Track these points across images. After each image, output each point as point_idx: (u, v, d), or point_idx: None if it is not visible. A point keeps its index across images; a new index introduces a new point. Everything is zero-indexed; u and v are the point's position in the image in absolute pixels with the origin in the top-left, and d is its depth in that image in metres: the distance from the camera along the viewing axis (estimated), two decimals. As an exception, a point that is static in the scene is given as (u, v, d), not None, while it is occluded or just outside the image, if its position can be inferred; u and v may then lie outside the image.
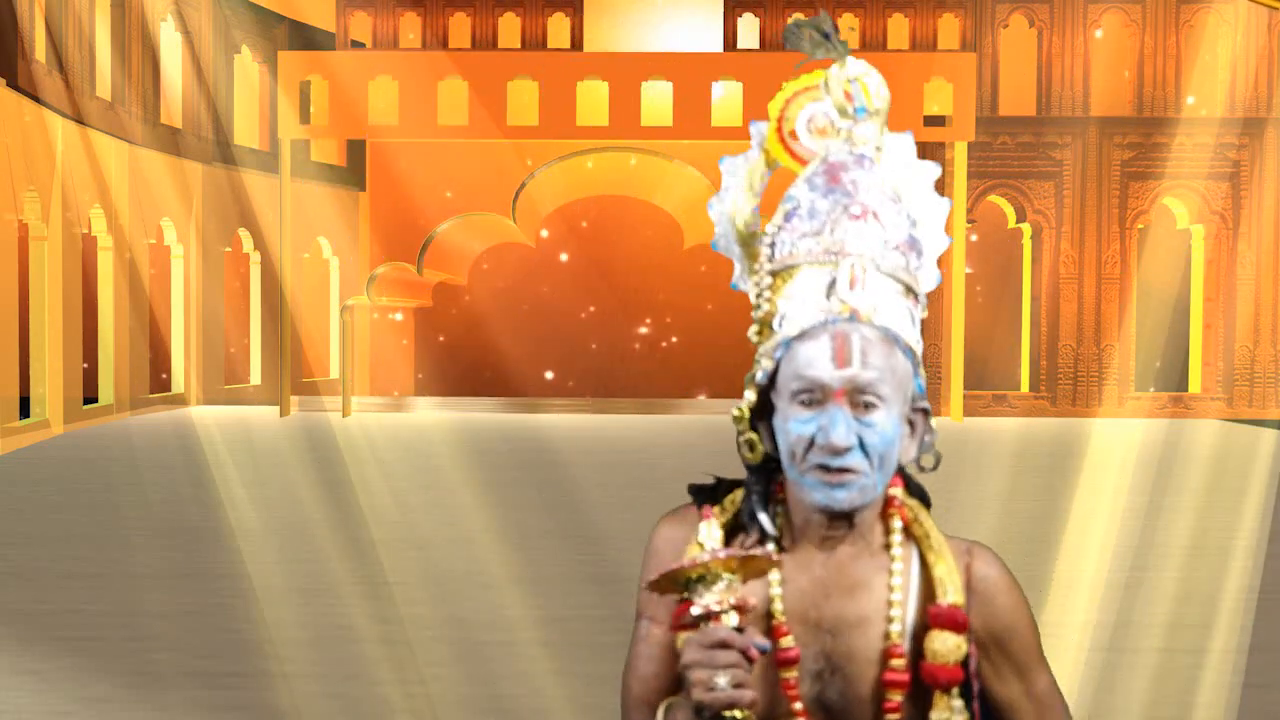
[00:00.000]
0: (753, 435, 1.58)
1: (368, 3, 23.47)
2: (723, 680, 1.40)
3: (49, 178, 18.47)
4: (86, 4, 19.89)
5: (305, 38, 24.43)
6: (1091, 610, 7.49)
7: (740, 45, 23.20)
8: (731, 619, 1.41)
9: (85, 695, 5.83)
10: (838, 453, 1.49)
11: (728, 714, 1.41)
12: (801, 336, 1.52)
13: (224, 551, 9.29)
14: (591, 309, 25.28)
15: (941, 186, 1.52)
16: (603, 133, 21.95)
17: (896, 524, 1.59)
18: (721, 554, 1.41)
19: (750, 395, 1.57)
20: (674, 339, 25.29)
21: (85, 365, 19.84)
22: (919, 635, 1.55)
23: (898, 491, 1.60)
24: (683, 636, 1.48)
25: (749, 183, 1.68)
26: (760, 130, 1.67)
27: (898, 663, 1.53)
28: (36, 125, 18.02)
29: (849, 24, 23.10)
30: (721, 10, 23.36)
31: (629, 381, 24.60)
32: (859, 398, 1.50)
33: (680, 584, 1.42)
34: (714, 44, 23.42)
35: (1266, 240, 22.99)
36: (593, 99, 22.13)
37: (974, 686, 1.58)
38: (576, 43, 23.37)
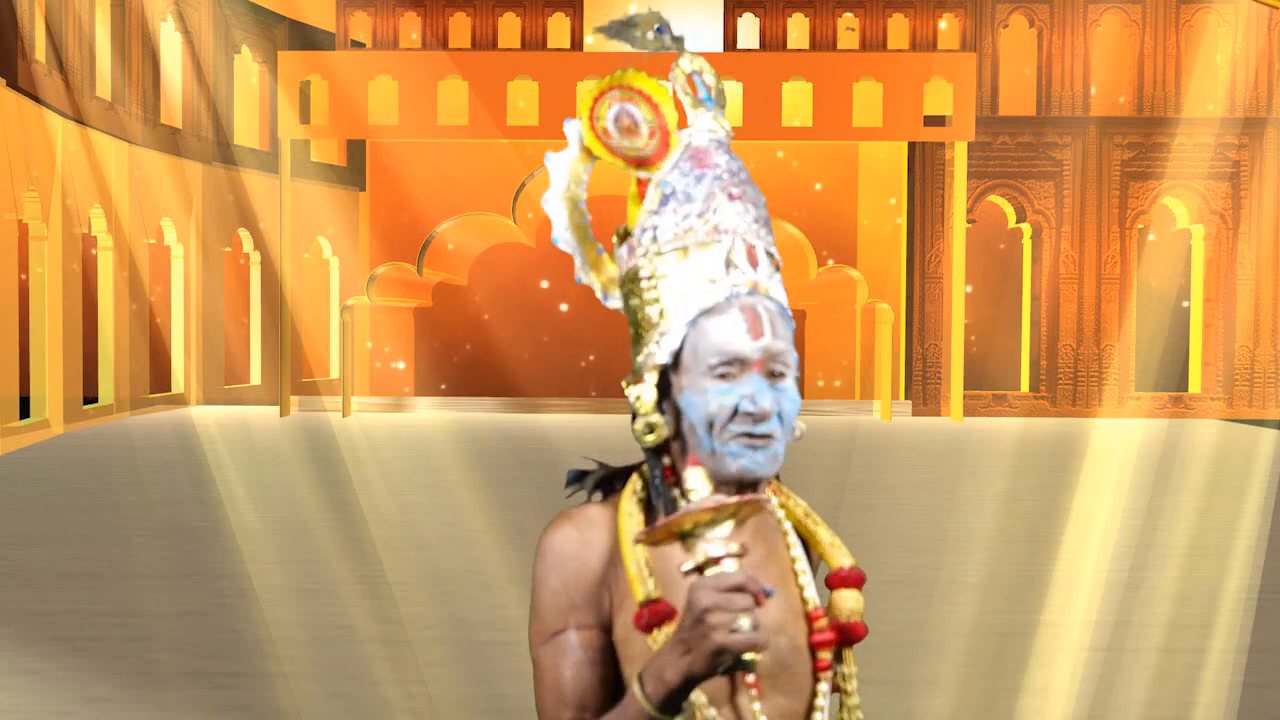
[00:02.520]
0: (656, 418, 1.60)
1: (368, 3, 23.47)
2: (746, 623, 1.39)
3: (49, 178, 18.47)
4: (86, 4, 19.89)
5: (305, 38, 24.43)
6: (1091, 610, 7.49)
7: (740, 45, 23.20)
8: (730, 565, 1.41)
9: (85, 695, 5.83)
10: (762, 419, 1.54)
11: (746, 657, 1.41)
12: (707, 313, 1.57)
13: (224, 551, 9.29)
14: (591, 309, 25.28)
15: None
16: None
17: (772, 497, 1.66)
18: (712, 501, 1.41)
19: (652, 378, 1.61)
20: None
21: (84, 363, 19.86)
22: (819, 593, 1.63)
23: None
24: (655, 634, 1.48)
25: (574, 177, 1.77)
26: (575, 128, 1.74)
27: (822, 623, 1.59)
28: (36, 125, 18.02)
29: (848, 24, 23.11)
30: (721, 10, 23.36)
31: (629, 381, 24.58)
32: (772, 366, 1.57)
33: (680, 535, 1.43)
34: (714, 44, 23.41)
35: (1266, 240, 22.99)
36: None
37: None
38: (576, 43, 23.37)
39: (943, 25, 23.14)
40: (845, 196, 24.42)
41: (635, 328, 1.64)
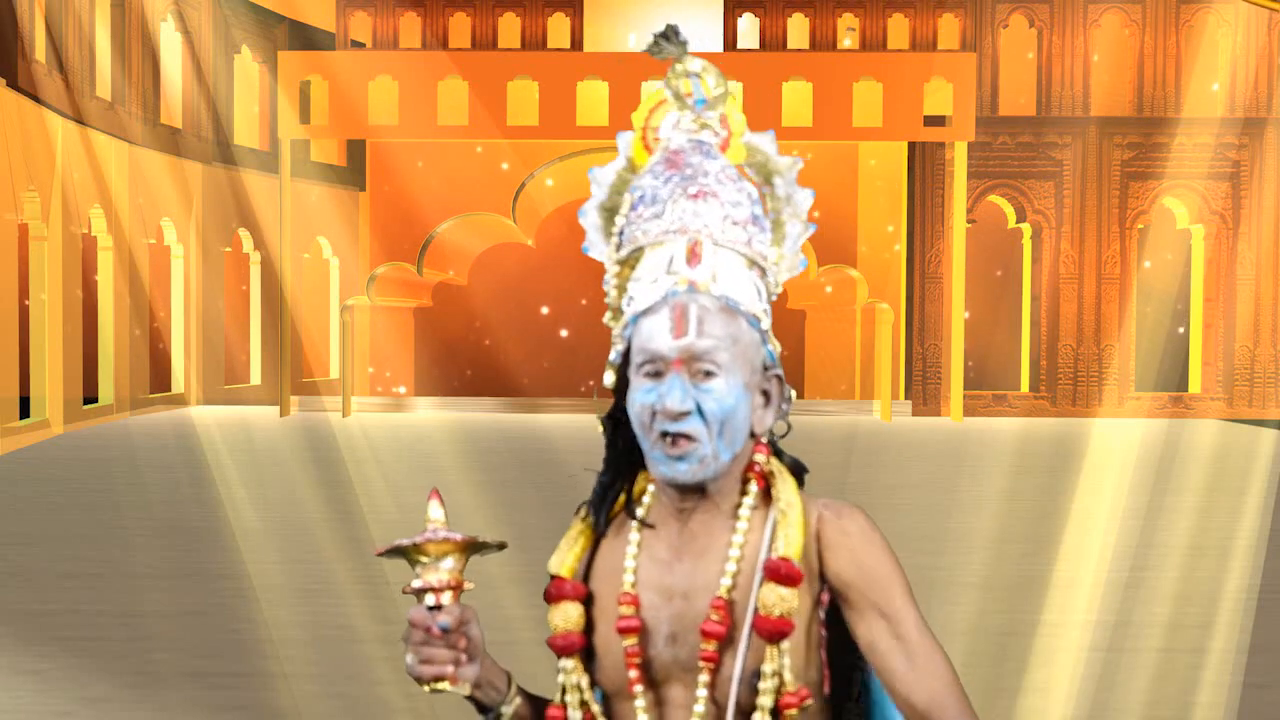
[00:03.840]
0: (606, 421, 1.68)
1: (368, 3, 23.47)
2: (409, 659, 1.57)
3: (49, 178, 18.47)
4: (86, 4, 19.89)
5: (305, 38, 24.43)
6: (1091, 610, 7.49)
7: (740, 45, 23.20)
8: (433, 599, 1.56)
9: (85, 695, 5.83)
10: (674, 417, 1.55)
11: (433, 687, 1.59)
12: (645, 312, 1.60)
13: (224, 551, 9.29)
14: (591, 309, 25.27)
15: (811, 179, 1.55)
16: (603, 133, 21.93)
17: (751, 488, 1.64)
18: (440, 535, 1.55)
19: (609, 377, 1.65)
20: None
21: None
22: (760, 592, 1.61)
23: (761, 458, 1.65)
24: (552, 608, 1.71)
25: (615, 189, 1.75)
26: (626, 140, 1.76)
27: (715, 614, 1.58)
28: (36, 125, 18.02)
29: (849, 24, 23.11)
30: (721, 10, 23.36)
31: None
32: (696, 365, 1.57)
33: (407, 558, 1.56)
34: (714, 44, 23.41)
35: (1266, 240, 22.99)
36: (593, 99, 22.13)
37: (820, 634, 1.62)
38: (576, 43, 23.37)
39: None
40: (845, 196, 24.41)
41: None
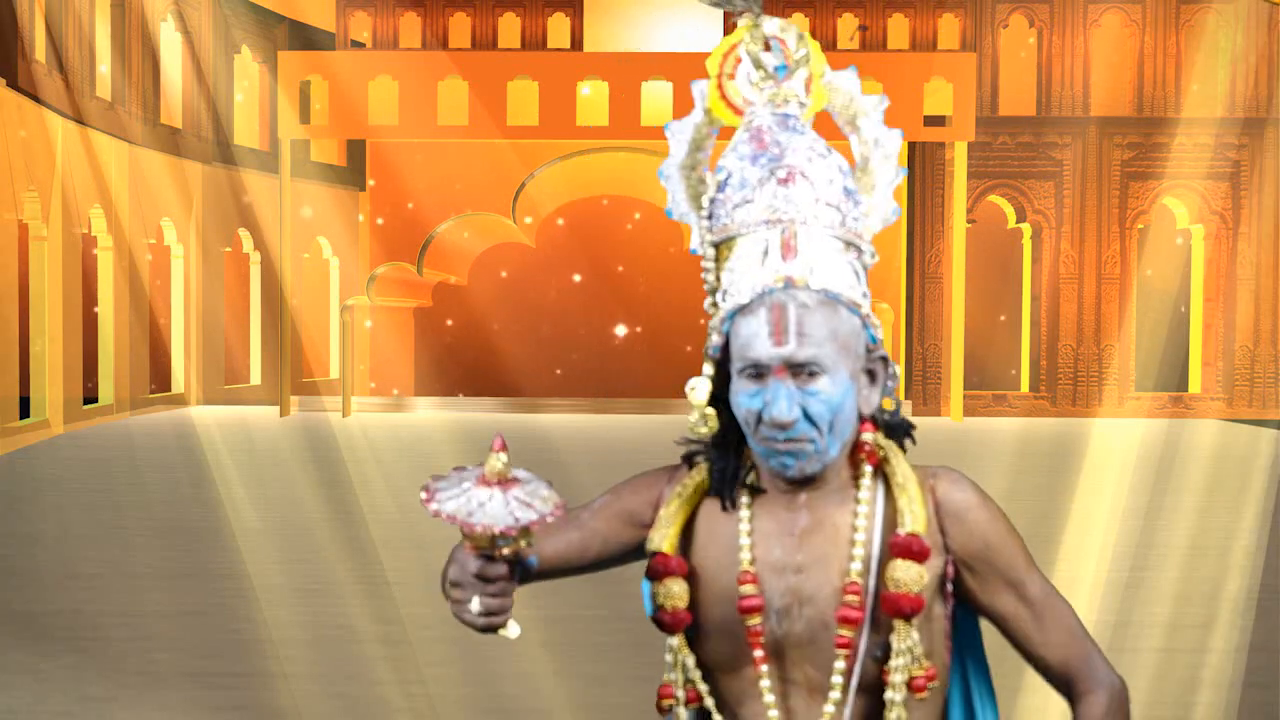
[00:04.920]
0: (708, 411, 1.62)
1: (368, 3, 23.47)
2: (475, 605, 1.50)
3: (49, 178, 18.47)
4: (86, 4, 19.89)
5: (305, 38, 24.43)
6: (1091, 610, 7.48)
7: (740, 45, 23.17)
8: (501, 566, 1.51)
9: (85, 695, 5.83)
10: (782, 427, 1.52)
11: (492, 629, 1.53)
12: (743, 310, 1.55)
13: (224, 551, 9.29)
14: (591, 309, 25.28)
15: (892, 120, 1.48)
16: (603, 133, 21.94)
17: (866, 468, 1.61)
18: (501, 526, 1.48)
19: (708, 369, 1.60)
20: (675, 339, 25.28)
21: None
22: (886, 569, 1.57)
23: (869, 436, 1.61)
24: (655, 585, 1.62)
25: (695, 144, 1.69)
26: (702, 89, 1.68)
27: (852, 598, 1.55)
28: (36, 125, 18.02)
29: (859, 24, 23.07)
30: (721, 10, 23.33)
31: (629, 381, 24.59)
32: (800, 369, 1.52)
33: (481, 543, 1.52)
34: (714, 44, 23.37)
35: (1266, 240, 22.99)
36: (593, 99, 22.13)
37: (948, 606, 1.62)
38: (576, 43, 23.37)
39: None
40: (845, 196, 24.36)
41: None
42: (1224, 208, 23.03)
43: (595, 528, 1.71)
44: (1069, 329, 23.28)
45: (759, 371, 1.53)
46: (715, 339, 1.58)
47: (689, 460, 1.70)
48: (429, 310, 25.63)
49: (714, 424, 1.61)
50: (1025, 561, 1.62)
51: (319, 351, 24.90)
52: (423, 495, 1.54)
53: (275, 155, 23.21)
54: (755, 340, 1.53)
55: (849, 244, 1.58)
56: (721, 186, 1.59)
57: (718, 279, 1.60)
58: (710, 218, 1.61)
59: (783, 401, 1.51)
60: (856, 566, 1.56)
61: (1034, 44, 23.31)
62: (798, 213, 1.55)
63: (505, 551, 1.50)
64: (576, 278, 25.15)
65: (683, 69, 22.02)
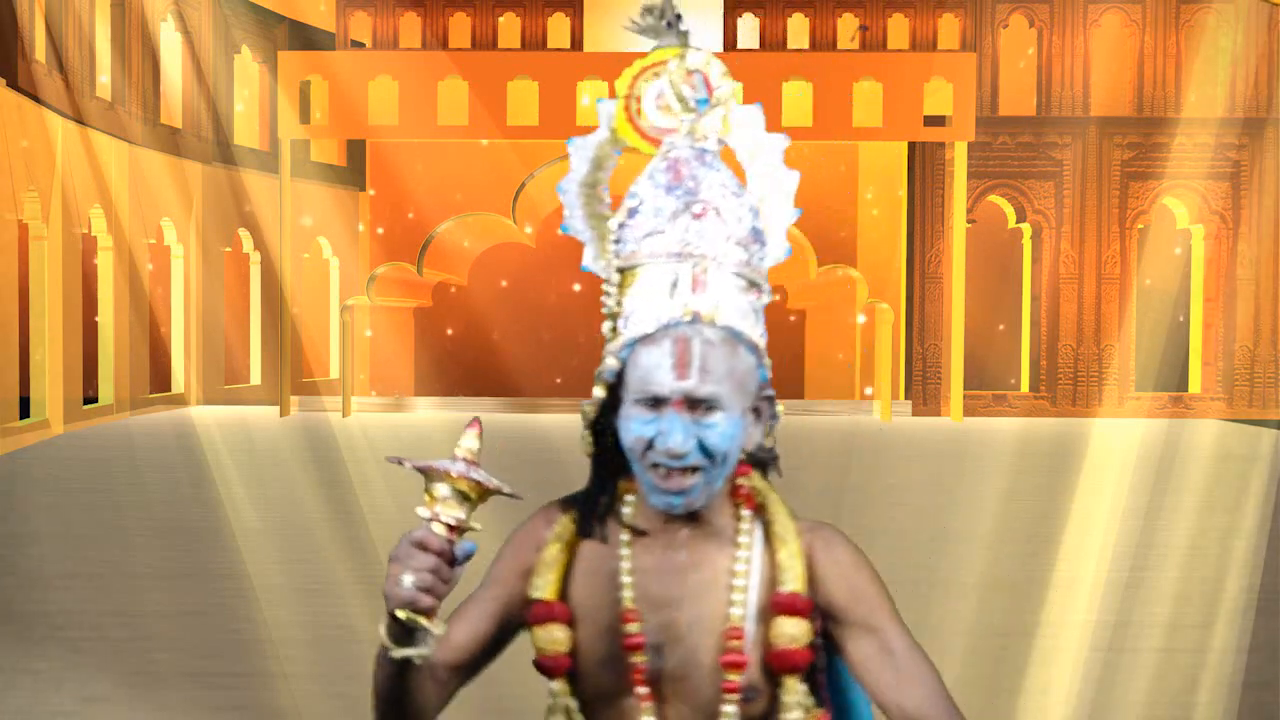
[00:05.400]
0: (587, 434, 1.63)
1: (368, 3, 23.47)
2: (408, 580, 1.44)
3: (49, 178, 18.47)
4: (86, 4, 19.89)
5: (305, 38, 24.43)
6: (1091, 610, 7.49)
7: (740, 45, 23.19)
8: (439, 529, 1.48)
9: (85, 695, 5.83)
10: (676, 457, 1.52)
11: (400, 613, 1.45)
12: (645, 340, 1.54)
13: (224, 551, 9.28)
14: (592, 309, 25.25)
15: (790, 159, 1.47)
16: (602, 133, 21.92)
17: (745, 513, 1.62)
18: (473, 474, 1.48)
19: (599, 392, 1.60)
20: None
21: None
22: (765, 615, 1.59)
23: (745, 481, 1.63)
24: (538, 630, 1.62)
25: (597, 163, 1.70)
26: (608, 109, 1.69)
27: (735, 643, 1.57)
28: (36, 125, 18.02)
29: (860, 24, 23.07)
30: (721, 10, 23.36)
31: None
32: (698, 403, 1.53)
33: (430, 479, 1.50)
34: (714, 44, 23.40)
35: (1266, 240, 22.99)
36: (593, 99, 22.12)
37: (820, 659, 1.63)
38: (576, 43, 23.37)
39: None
40: (845, 197, 24.41)
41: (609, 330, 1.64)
42: (1224, 208, 23.03)
43: (499, 594, 1.73)
44: (1069, 329, 23.28)
45: (656, 402, 1.53)
46: (611, 363, 1.58)
47: (564, 503, 1.71)
48: (429, 310, 25.63)
49: (588, 446, 1.64)
50: (890, 614, 1.62)
51: (319, 351, 24.90)
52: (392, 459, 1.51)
53: (275, 155, 23.21)
54: (657, 371, 1.53)
55: (751, 283, 1.58)
56: (633, 213, 1.59)
57: (618, 304, 1.60)
58: (618, 242, 1.60)
59: (679, 434, 1.52)
60: (737, 611, 1.58)
61: (1034, 44, 23.31)
62: (709, 249, 1.55)
63: (450, 524, 1.47)
64: (576, 287, 25.08)
65: (683, 69, 22.00)
